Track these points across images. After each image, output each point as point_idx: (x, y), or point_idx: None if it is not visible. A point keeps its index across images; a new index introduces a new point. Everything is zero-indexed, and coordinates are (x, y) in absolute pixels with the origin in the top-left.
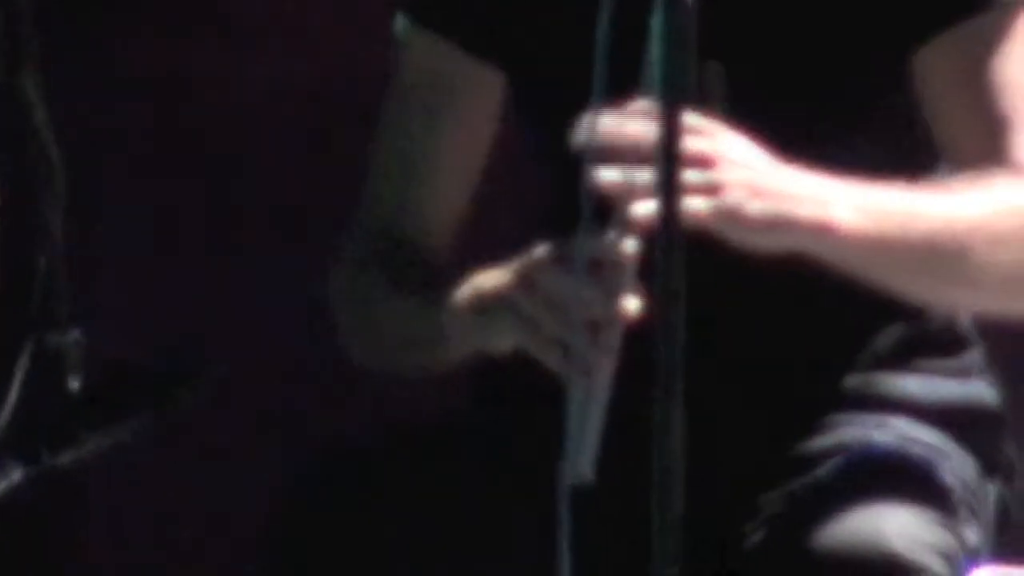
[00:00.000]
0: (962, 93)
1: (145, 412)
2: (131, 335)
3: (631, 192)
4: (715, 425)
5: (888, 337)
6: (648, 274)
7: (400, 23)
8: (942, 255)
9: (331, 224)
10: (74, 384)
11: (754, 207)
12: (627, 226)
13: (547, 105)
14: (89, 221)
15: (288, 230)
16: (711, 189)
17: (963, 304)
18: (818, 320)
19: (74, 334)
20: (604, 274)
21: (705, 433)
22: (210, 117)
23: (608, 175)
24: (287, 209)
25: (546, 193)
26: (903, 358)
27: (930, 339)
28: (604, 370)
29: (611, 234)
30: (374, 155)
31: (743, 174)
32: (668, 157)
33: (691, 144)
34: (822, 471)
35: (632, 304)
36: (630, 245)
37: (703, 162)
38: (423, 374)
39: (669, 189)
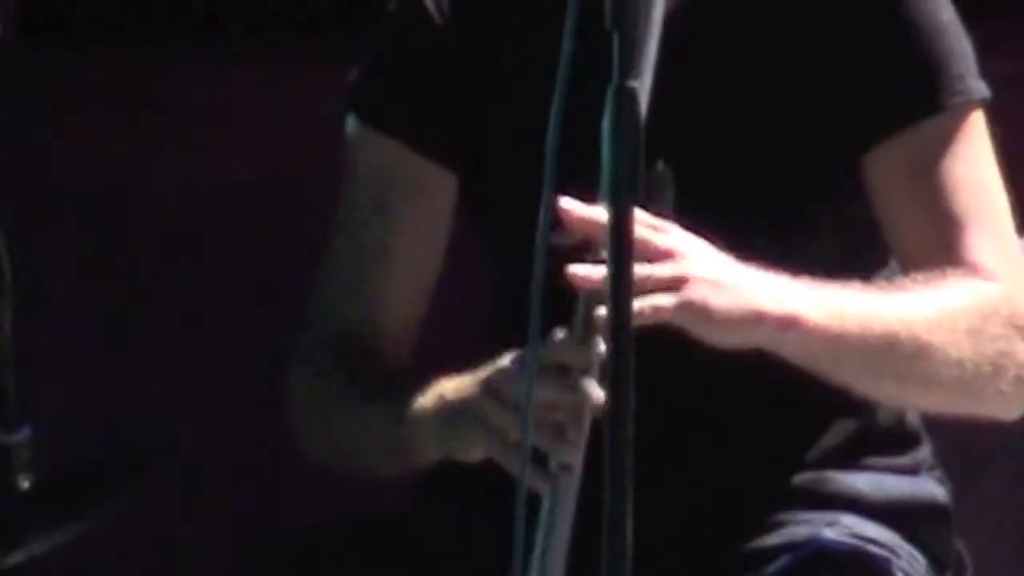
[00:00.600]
0: (913, 194)
1: (94, 508)
2: (80, 433)
3: (601, 289)
4: (664, 520)
5: (837, 434)
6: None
7: (350, 123)
8: (900, 353)
9: (281, 323)
10: (24, 483)
11: (719, 302)
12: (594, 327)
13: (497, 206)
14: (37, 320)
15: (237, 328)
16: (675, 283)
17: (918, 403)
18: (767, 417)
19: (23, 433)
20: (571, 376)
21: (654, 528)
22: (154, 215)
23: (583, 269)
24: (237, 307)
25: (496, 294)
26: (852, 455)
27: (879, 436)
28: (575, 472)
29: (574, 336)
30: (327, 254)
31: (706, 268)
32: (620, 254)
33: (650, 239)
34: (772, 569)
35: (598, 399)
36: (598, 346)
37: (664, 257)
38: (376, 476)
39: (621, 285)
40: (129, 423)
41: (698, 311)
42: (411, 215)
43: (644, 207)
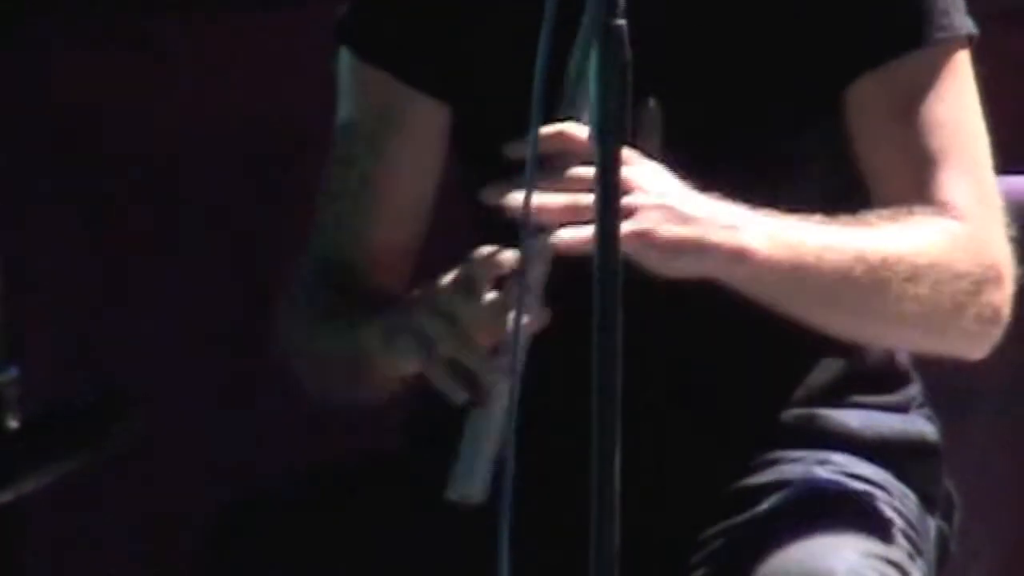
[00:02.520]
0: (891, 130)
1: (82, 448)
2: (67, 373)
3: (564, 211)
4: (654, 461)
5: (826, 372)
6: (565, 298)
7: (342, 56)
8: (857, 287)
9: (274, 259)
10: (12, 422)
11: (666, 230)
12: (544, 249)
13: (486, 138)
14: (22, 260)
15: (228, 265)
16: (624, 213)
17: (879, 339)
18: (755, 355)
19: (11, 373)
20: (507, 293)
21: (644, 469)
22: (146, 146)
23: (544, 198)
24: (228, 244)
25: (479, 228)
26: (842, 393)
27: (868, 374)
28: (502, 393)
29: (516, 251)
30: (323, 186)
31: (656, 199)
32: (607, 194)
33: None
34: (764, 507)
35: (533, 324)
36: (538, 269)
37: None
38: (366, 402)
39: (609, 226)
40: (116, 363)
41: (644, 239)
42: (401, 146)
43: (632, 145)
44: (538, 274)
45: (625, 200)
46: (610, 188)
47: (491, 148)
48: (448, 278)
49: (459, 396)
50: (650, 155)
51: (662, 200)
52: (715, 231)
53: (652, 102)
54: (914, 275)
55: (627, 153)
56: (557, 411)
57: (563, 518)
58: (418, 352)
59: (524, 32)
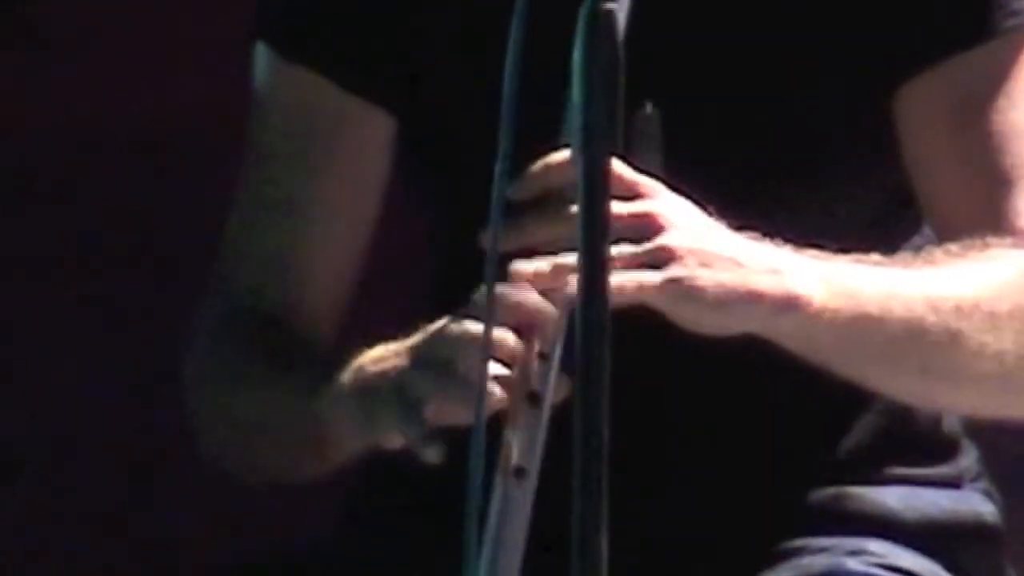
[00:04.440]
0: (953, 142)
1: None
2: None
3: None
4: (648, 552)
5: (861, 439)
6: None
7: (262, 56)
8: (928, 343)
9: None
10: None
11: (708, 278)
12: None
13: (443, 155)
14: None
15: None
16: (656, 258)
17: (948, 401)
18: (773, 417)
19: None
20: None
21: (633, 560)
22: (27, 150)
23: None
24: (124, 264)
25: (441, 261)
26: (879, 464)
27: (913, 440)
28: (529, 477)
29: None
30: (236, 210)
31: (692, 240)
32: (591, 221)
33: (627, 204)
34: None
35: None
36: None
37: (643, 226)
38: (287, 478)
39: (593, 259)
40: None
41: (686, 290)
42: (335, 165)
43: (625, 159)
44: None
45: (657, 242)
46: (596, 213)
47: (447, 169)
48: (435, 330)
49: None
50: (648, 171)
51: (698, 241)
52: (762, 276)
53: (650, 108)
54: (994, 326)
55: (645, 181)
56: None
57: None
58: (402, 420)
59: (491, 24)
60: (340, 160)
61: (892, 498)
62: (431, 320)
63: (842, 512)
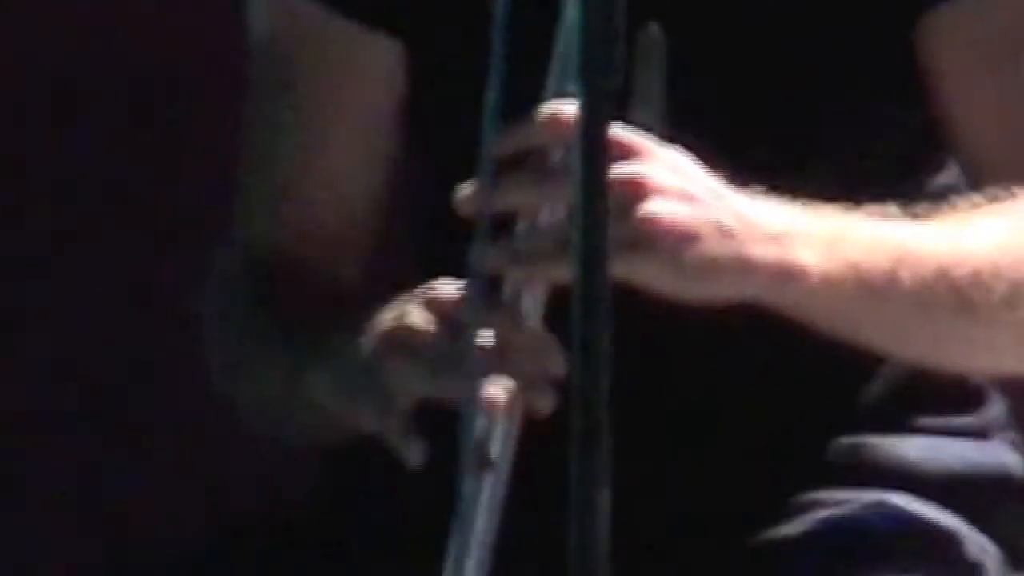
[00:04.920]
0: (986, 76)
1: None
2: None
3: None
4: (654, 507)
5: (882, 388)
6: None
7: None
8: (938, 313)
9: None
10: None
11: (693, 252)
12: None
13: (444, 88)
14: None
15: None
16: (638, 231)
17: (966, 369)
18: (790, 367)
19: None
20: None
21: (642, 518)
22: None
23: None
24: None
25: (429, 209)
26: (899, 414)
27: (936, 390)
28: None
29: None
30: (245, 148)
31: (680, 208)
32: (591, 164)
33: (614, 169)
34: (800, 566)
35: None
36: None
37: (629, 193)
38: (291, 437)
39: (593, 213)
40: None
41: (667, 263)
42: (341, 96)
43: (626, 90)
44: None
45: (640, 213)
46: (595, 167)
47: (446, 103)
48: (408, 310)
49: (418, 457)
50: (648, 100)
51: (687, 209)
52: (756, 245)
53: (654, 28)
54: (1014, 295)
55: (633, 137)
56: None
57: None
58: (372, 406)
59: None
60: (347, 90)
61: (913, 449)
62: (415, 283)
63: (861, 464)
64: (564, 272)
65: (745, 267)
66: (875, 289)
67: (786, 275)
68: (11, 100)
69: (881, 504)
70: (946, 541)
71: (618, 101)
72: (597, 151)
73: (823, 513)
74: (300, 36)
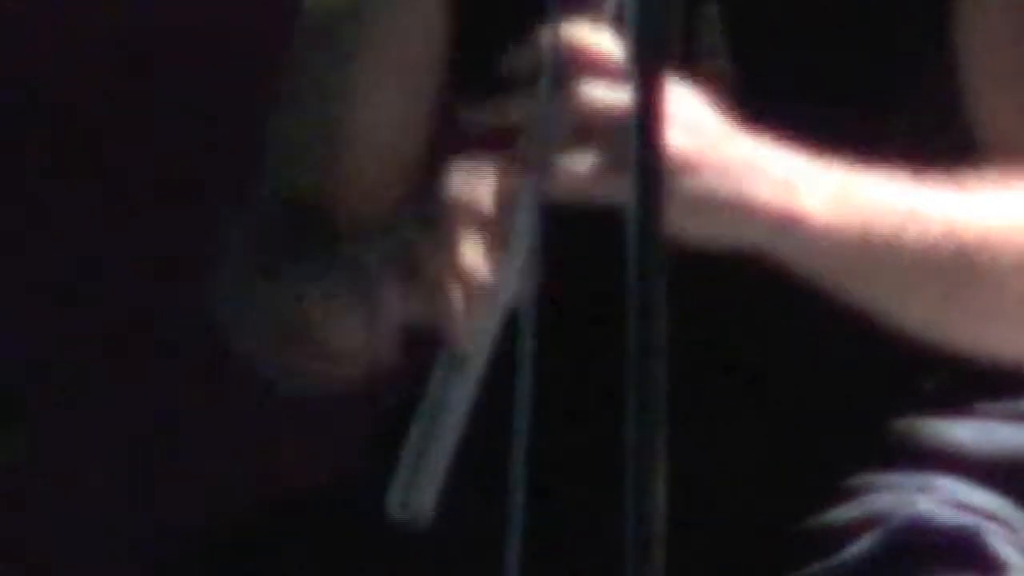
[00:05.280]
0: (1009, 55)
1: None
2: None
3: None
4: (704, 488)
5: (935, 372)
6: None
7: None
8: (952, 267)
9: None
10: None
11: (692, 184)
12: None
13: (478, 28)
14: None
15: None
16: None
17: (981, 338)
18: (846, 349)
19: None
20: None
21: (696, 497)
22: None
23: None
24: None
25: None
26: (954, 398)
27: (989, 373)
28: (474, 361)
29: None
30: (277, 101)
31: (686, 140)
32: (648, 146)
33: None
34: (851, 551)
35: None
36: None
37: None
38: (316, 376)
39: (645, 175)
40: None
41: (668, 195)
42: (386, 46)
43: (685, 61)
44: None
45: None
46: (649, 134)
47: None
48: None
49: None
50: (708, 80)
51: (693, 140)
52: (759, 186)
53: (711, 8)
54: (1022, 263)
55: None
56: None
57: (583, 550)
58: (361, 298)
59: None
60: (392, 40)
61: (964, 433)
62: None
63: (911, 447)
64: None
65: (745, 207)
66: (880, 244)
67: (788, 221)
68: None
69: (931, 487)
70: (981, 536)
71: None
72: (653, 121)
73: (873, 496)
74: None
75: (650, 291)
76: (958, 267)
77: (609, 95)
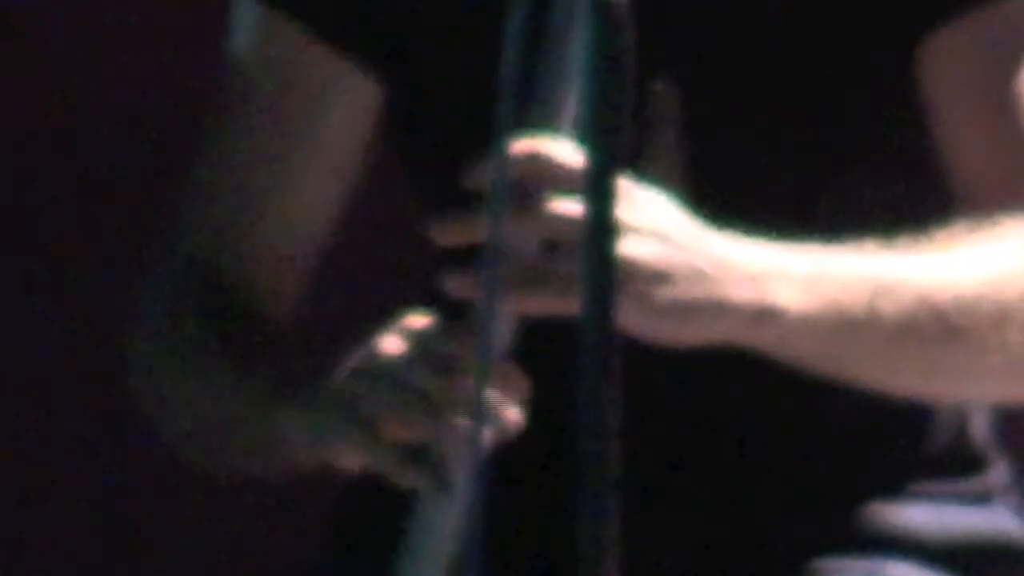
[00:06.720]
0: (979, 101)
1: None
2: None
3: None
4: (667, 565)
5: (881, 455)
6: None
7: (247, 8)
8: (923, 342)
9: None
10: None
11: (666, 293)
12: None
13: (436, 129)
14: None
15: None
16: None
17: (957, 396)
18: (791, 435)
19: None
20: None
21: (651, 568)
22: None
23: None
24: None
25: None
26: (901, 481)
27: (936, 455)
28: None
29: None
30: (193, 171)
31: (655, 248)
32: (599, 224)
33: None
34: None
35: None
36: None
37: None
38: (248, 473)
39: (601, 269)
40: None
41: (639, 303)
42: (312, 126)
43: (639, 147)
44: (504, 335)
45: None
46: (602, 229)
47: (440, 144)
48: (383, 337)
49: (414, 481)
50: (662, 159)
51: (662, 249)
52: (731, 285)
53: (661, 86)
54: (1001, 317)
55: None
56: (534, 496)
57: None
58: (355, 439)
59: None
60: (318, 122)
61: (917, 516)
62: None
63: (860, 532)
64: (538, 301)
65: (720, 308)
66: (856, 323)
67: (763, 316)
68: None
69: (879, 573)
70: None
71: (631, 158)
72: (606, 208)
73: None
74: (277, 54)
75: (602, 403)
76: (937, 331)
77: (573, 207)
